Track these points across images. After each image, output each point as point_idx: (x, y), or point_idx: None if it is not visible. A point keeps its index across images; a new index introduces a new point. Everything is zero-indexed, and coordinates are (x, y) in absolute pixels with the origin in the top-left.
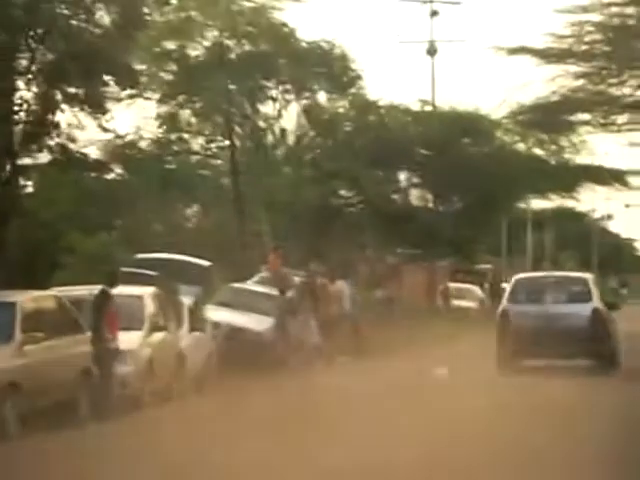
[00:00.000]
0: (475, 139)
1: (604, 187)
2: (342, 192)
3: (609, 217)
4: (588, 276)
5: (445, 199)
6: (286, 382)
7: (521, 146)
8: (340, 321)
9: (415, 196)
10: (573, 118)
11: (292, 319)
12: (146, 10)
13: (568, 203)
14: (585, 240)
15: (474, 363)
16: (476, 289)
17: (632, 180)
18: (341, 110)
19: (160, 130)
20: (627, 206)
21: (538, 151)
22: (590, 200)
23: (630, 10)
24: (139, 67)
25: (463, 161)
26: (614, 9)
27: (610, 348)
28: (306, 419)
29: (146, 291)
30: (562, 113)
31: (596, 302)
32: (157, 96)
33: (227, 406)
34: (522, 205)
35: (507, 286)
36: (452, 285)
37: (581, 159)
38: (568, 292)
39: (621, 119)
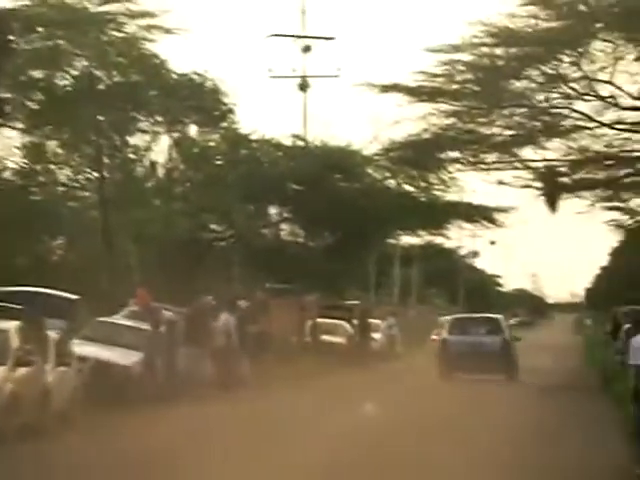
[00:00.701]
0: (346, 175)
1: (471, 224)
2: (212, 226)
3: (475, 254)
4: (500, 317)
5: (315, 234)
6: (155, 416)
7: (391, 182)
8: (227, 354)
9: (286, 231)
10: (443, 156)
11: (165, 353)
12: (12, 37)
13: (436, 239)
14: (452, 276)
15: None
16: (345, 325)
17: (498, 217)
18: (212, 143)
19: (25, 160)
20: (492, 243)
21: (408, 188)
22: (458, 237)
23: (499, 51)
24: (4, 96)
25: (334, 196)
26: (484, 49)
27: (512, 367)
28: (167, 454)
29: (11, 325)
30: (432, 151)
31: (505, 335)
32: (22, 126)
33: (92, 440)
34: (391, 241)
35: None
36: (321, 320)
37: (450, 196)
38: (486, 328)
39: (490, 158)
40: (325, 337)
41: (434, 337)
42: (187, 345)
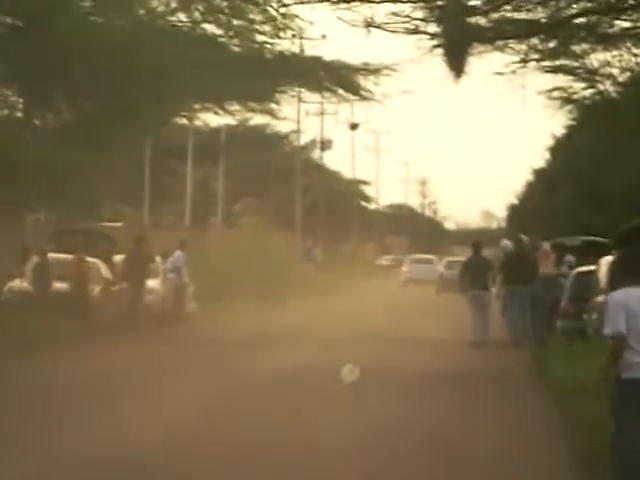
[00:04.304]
0: (100, 3)
1: (319, 94)
2: None
3: (325, 144)
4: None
5: (45, 106)
6: None
7: (182, 19)
8: None
9: None
10: None
11: None
12: None
13: (259, 119)
14: (284, 181)
15: None
16: (97, 264)
17: (365, 83)
18: None
19: None
20: (354, 127)
21: (211, 28)
22: (295, 115)
23: None
24: None
25: (78, 41)
26: None
27: None
28: None
29: None
30: None
31: None
32: None
33: None
34: (181, 120)
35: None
36: (55, 257)
37: (284, 46)
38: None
39: None
40: (61, 285)
41: (404, 269)
42: None
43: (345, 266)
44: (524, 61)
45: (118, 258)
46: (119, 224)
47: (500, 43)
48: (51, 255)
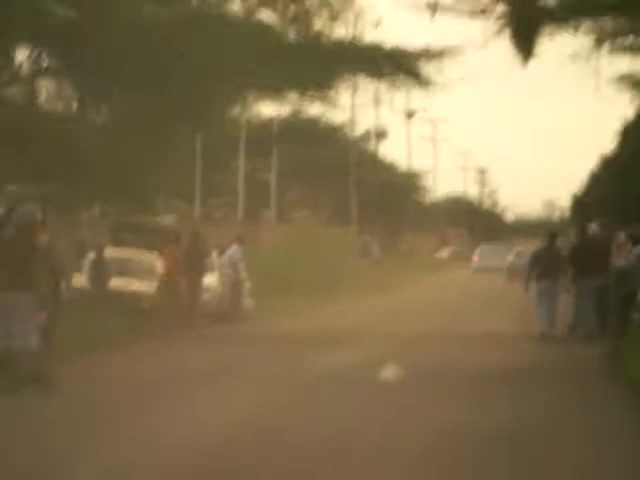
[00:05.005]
0: None
1: (377, 80)
2: None
3: (381, 135)
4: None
5: (99, 99)
6: None
7: (236, 9)
8: None
9: (46, 92)
10: None
11: None
12: None
13: (314, 109)
14: (338, 171)
15: None
16: (152, 260)
17: (425, 69)
18: None
19: None
20: (411, 115)
21: (267, 16)
22: (351, 104)
23: None
24: None
25: (132, 32)
26: None
27: None
28: None
29: None
30: None
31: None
32: None
33: None
34: (236, 111)
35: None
36: (112, 252)
37: (341, 33)
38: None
39: None
40: (118, 282)
41: (474, 258)
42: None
43: (403, 261)
44: (597, 44)
45: (172, 253)
46: (172, 218)
47: (570, 23)
48: (109, 251)
